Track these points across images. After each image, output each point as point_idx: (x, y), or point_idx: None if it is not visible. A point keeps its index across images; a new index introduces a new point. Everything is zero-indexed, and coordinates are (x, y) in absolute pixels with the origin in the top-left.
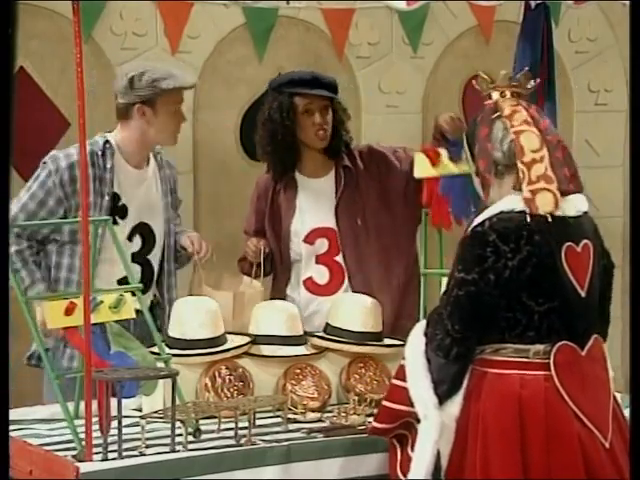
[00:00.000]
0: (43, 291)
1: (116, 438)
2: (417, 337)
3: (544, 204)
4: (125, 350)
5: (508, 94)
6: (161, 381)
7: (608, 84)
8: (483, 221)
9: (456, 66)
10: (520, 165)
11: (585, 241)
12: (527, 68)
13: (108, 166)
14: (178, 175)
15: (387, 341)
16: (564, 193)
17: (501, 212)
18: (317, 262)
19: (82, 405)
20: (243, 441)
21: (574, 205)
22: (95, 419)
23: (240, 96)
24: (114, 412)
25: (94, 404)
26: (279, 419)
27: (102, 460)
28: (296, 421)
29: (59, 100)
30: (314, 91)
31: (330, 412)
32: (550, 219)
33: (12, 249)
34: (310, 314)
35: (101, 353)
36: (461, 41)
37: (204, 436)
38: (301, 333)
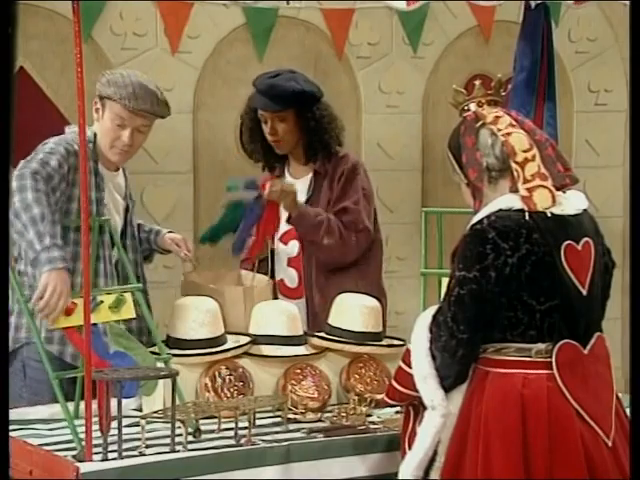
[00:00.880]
0: None
1: (116, 438)
2: (423, 330)
3: (542, 200)
4: (125, 350)
5: (485, 103)
6: (161, 381)
7: (608, 84)
8: (482, 219)
9: (456, 66)
10: (514, 165)
11: (586, 239)
12: (525, 69)
13: (96, 159)
14: (178, 175)
15: (387, 341)
16: (561, 188)
17: (500, 210)
18: (288, 265)
19: (82, 405)
20: (243, 441)
21: (574, 203)
22: (95, 419)
23: (240, 96)
24: (114, 412)
25: (94, 404)
26: (279, 419)
27: (102, 460)
28: (296, 421)
29: (59, 100)
30: (260, 104)
31: (330, 412)
32: (550, 215)
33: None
34: None
35: (101, 353)
36: (461, 41)
37: (204, 436)
38: (301, 333)
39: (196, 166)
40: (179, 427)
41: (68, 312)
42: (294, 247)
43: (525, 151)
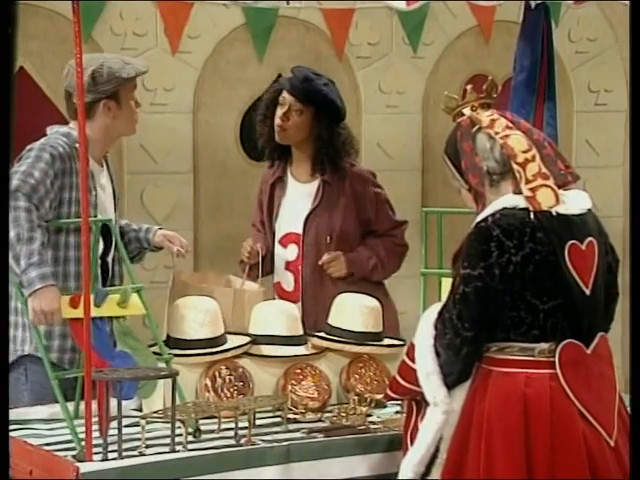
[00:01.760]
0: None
1: (116, 438)
2: (428, 327)
3: (545, 199)
4: (130, 350)
5: (478, 107)
6: (161, 381)
7: (608, 84)
8: (486, 217)
9: (456, 66)
10: (515, 166)
11: (590, 239)
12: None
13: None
14: (178, 175)
15: (387, 341)
16: (564, 185)
17: (504, 208)
18: (286, 268)
19: (82, 405)
20: (243, 441)
21: (578, 203)
22: (95, 419)
23: (240, 96)
24: (114, 412)
25: (94, 404)
26: (279, 419)
27: (102, 460)
28: (296, 421)
29: (59, 100)
30: (287, 86)
31: (330, 412)
32: (554, 214)
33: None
34: None
35: (104, 353)
36: (461, 41)
37: (204, 436)
38: (301, 333)
39: (196, 166)
40: (179, 427)
41: (74, 304)
42: (293, 251)
43: (525, 152)
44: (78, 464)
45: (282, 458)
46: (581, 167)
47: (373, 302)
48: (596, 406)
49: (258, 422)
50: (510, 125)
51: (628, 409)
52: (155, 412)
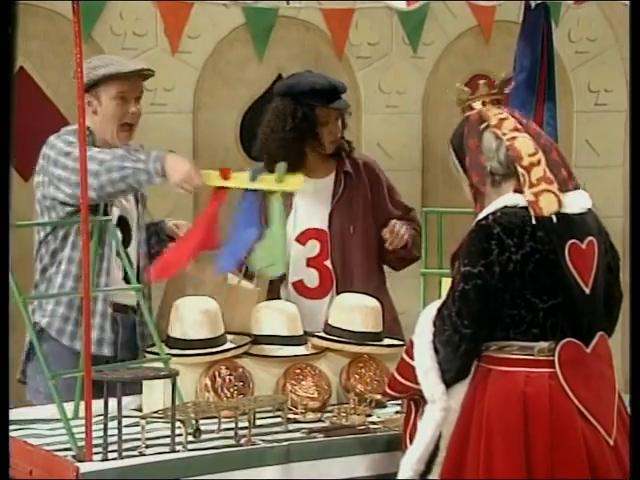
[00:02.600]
0: None
1: (116, 438)
2: (427, 323)
3: (548, 205)
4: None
5: (489, 102)
6: (161, 381)
7: (608, 84)
8: (487, 215)
9: (456, 66)
10: (520, 169)
11: (590, 238)
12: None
13: None
14: None
15: (387, 341)
16: (565, 192)
17: (505, 207)
18: (308, 265)
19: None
20: (243, 441)
21: (578, 202)
22: (95, 419)
23: (240, 96)
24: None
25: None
26: (279, 419)
27: (102, 460)
28: (296, 421)
29: (59, 100)
30: (335, 104)
31: (330, 412)
32: (555, 219)
33: None
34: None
35: (244, 224)
36: (461, 41)
37: (204, 436)
38: (301, 333)
39: (196, 166)
40: (179, 427)
41: (225, 175)
42: (314, 247)
43: (531, 155)
44: (78, 464)
45: (282, 458)
46: (581, 167)
47: (373, 302)
48: (595, 405)
49: (258, 422)
50: (519, 127)
51: (628, 409)
52: (155, 412)
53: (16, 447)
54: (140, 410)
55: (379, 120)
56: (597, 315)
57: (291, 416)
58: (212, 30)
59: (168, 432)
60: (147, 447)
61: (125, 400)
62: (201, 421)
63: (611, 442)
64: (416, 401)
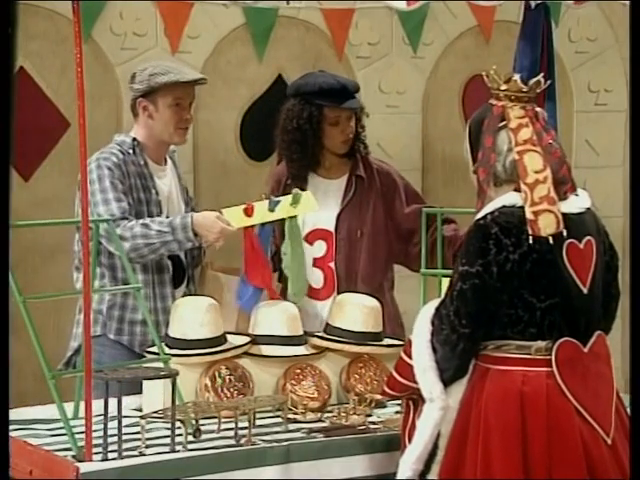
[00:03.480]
0: None
1: (116, 438)
2: (425, 323)
3: (546, 225)
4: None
5: (516, 99)
6: (161, 381)
7: (608, 84)
8: (485, 215)
9: (456, 66)
10: (523, 186)
11: (588, 238)
12: (525, 69)
13: (142, 162)
14: None
15: (387, 341)
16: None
17: (503, 206)
18: (314, 265)
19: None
20: (243, 441)
21: (577, 202)
22: (95, 419)
23: (240, 96)
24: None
25: (94, 404)
26: (279, 419)
27: (102, 460)
28: (296, 421)
29: (59, 100)
30: (347, 104)
31: (330, 412)
32: (551, 241)
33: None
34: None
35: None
36: (461, 41)
37: (204, 436)
38: (301, 333)
39: (196, 166)
40: (179, 427)
41: (248, 213)
42: (320, 247)
43: (537, 172)
44: (78, 464)
45: (282, 458)
46: (581, 167)
47: (373, 302)
48: (593, 404)
49: (258, 422)
50: (534, 138)
51: (627, 409)
52: (155, 412)
53: (16, 447)
54: (140, 410)
55: (379, 120)
56: (595, 314)
57: (291, 416)
58: (212, 30)
59: (168, 432)
60: (147, 447)
61: (125, 400)
62: (201, 421)
63: (609, 441)
64: (415, 400)
